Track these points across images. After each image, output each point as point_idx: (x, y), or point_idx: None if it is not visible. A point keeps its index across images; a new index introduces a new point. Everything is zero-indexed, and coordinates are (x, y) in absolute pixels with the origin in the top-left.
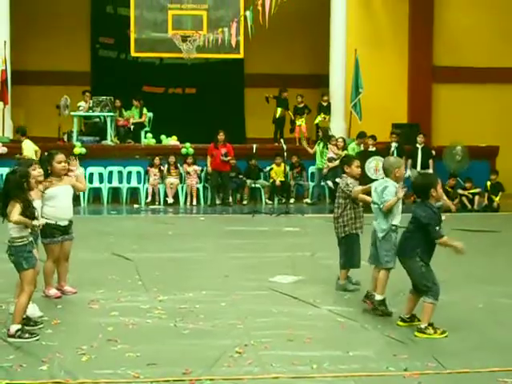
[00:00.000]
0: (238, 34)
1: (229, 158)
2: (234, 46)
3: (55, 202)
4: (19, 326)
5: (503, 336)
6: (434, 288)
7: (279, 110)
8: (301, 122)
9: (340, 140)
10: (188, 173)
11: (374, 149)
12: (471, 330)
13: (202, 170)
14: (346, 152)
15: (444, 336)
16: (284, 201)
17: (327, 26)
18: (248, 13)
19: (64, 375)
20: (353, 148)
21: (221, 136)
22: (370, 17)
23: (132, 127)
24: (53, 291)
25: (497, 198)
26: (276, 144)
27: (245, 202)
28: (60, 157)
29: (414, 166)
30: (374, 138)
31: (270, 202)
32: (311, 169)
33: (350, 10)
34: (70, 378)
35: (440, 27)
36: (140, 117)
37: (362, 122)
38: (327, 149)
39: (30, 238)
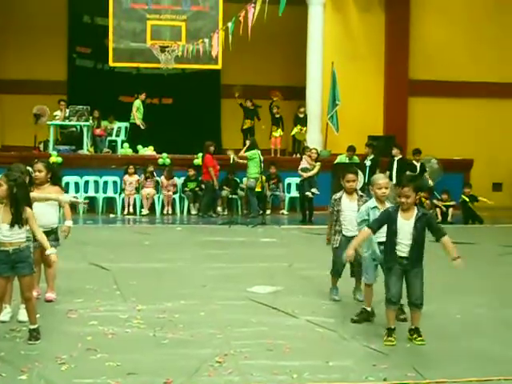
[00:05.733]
0: (217, 46)
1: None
2: (214, 56)
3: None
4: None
5: (481, 346)
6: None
7: (247, 121)
8: (278, 133)
9: (314, 151)
10: (166, 186)
11: (357, 159)
12: (450, 340)
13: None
14: (319, 163)
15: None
16: (260, 212)
17: (304, 38)
18: (230, 24)
19: None
20: (341, 159)
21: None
22: (347, 30)
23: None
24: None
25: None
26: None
27: (222, 213)
28: (36, 166)
29: (390, 177)
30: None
31: (246, 212)
32: (287, 180)
33: (326, 23)
34: None
35: (416, 41)
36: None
37: (338, 133)
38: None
39: None
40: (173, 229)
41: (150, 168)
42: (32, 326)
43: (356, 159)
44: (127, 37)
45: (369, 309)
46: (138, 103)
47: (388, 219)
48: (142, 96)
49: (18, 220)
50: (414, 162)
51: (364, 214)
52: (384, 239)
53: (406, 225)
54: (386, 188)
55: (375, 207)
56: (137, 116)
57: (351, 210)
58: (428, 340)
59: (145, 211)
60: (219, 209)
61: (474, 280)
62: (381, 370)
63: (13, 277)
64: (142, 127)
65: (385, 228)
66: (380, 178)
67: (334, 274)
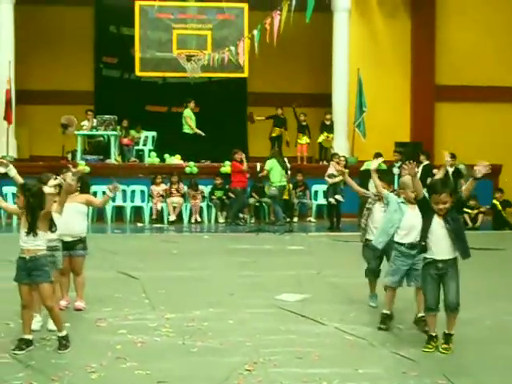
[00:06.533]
0: (243, 53)
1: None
2: (242, 64)
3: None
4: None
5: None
6: None
7: (276, 129)
8: (304, 140)
9: (342, 159)
10: (193, 196)
11: (384, 166)
12: (481, 347)
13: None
14: (346, 171)
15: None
16: (287, 219)
17: (330, 44)
18: (255, 32)
19: None
20: (368, 165)
21: (239, 155)
22: (373, 36)
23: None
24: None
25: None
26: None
27: (249, 220)
28: (66, 175)
29: None
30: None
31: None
32: (314, 187)
33: (352, 29)
34: None
35: (442, 47)
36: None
37: (365, 140)
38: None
39: None
40: (200, 237)
41: (174, 178)
42: (60, 334)
43: (383, 166)
44: (153, 46)
45: (388, 312)
46: (188, 112)
47: (430, 207)
48: (191, 104)
49: (33, 228)
50: (448, 167)
51: (387, 198)
52: (401, 240)
53: (438, 224)
54: None
55: (403, 202)
56: (192, 125)
57: (380, 216)
58: (459, 347)
59: (172, 217)
60: (245, 216)
61: (504, 286)
62: (411, 378)
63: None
64: (203, 134)
65: (409, 227)
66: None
67: (367, 276)
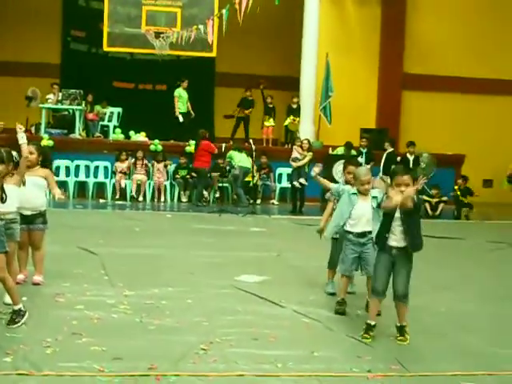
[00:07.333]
0: (212, 32)
1: None
2: (210, 43)
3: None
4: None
5: (466, 341)
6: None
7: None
8: (269, 122)
9: (305, 142)
10: (158, 169)
11: (354, 153)
12: (435, 334)
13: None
14: (310, 153)
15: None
16: (250, 201)
17: (300, 28)
18: (224, 11)
19: (28, 367)
20: (337, 152)
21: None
22: (343, 22)
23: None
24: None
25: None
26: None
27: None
28: (28, 148)
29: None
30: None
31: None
32: (279, 170)
33: (322, 14)
34: (34, 369)
35: (411, 35)
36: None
37: (331, 125)
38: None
39: None
40: (163, 216)
41: (140, 153)
42: (15, 307)
43: (353, 153)
44: (122, 21)
45: (341, 299)
46: (177, 92)
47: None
48: (184, 84)
49: None
50: (408, 154)
51: (337, 191)
52: (350, 229)
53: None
54: (369, 183)
55: (355, 193)
56: (177, 106)
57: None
58: (413, 334)
59: (136, 195)
60: (205, 193)
61: (460, 274)
62: (365, 362)
63: None
64: (181, 120)
65: (358, 216)
66: (362, 174)
67: (332, 267)
